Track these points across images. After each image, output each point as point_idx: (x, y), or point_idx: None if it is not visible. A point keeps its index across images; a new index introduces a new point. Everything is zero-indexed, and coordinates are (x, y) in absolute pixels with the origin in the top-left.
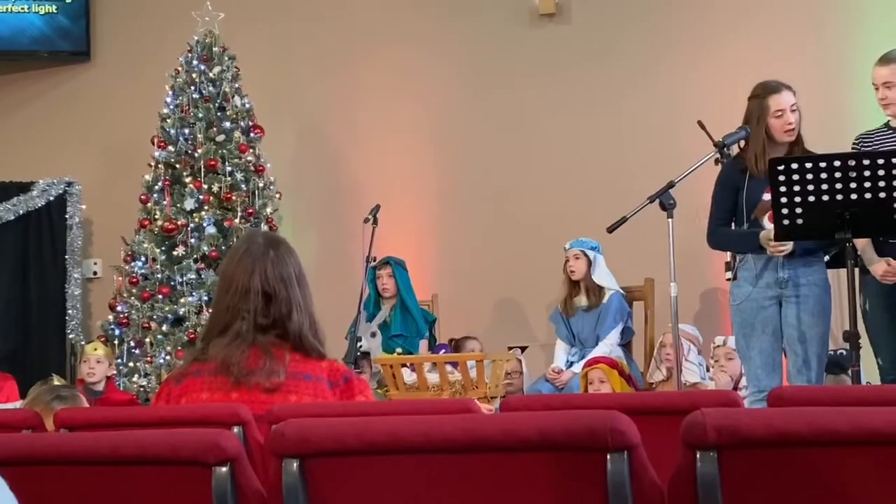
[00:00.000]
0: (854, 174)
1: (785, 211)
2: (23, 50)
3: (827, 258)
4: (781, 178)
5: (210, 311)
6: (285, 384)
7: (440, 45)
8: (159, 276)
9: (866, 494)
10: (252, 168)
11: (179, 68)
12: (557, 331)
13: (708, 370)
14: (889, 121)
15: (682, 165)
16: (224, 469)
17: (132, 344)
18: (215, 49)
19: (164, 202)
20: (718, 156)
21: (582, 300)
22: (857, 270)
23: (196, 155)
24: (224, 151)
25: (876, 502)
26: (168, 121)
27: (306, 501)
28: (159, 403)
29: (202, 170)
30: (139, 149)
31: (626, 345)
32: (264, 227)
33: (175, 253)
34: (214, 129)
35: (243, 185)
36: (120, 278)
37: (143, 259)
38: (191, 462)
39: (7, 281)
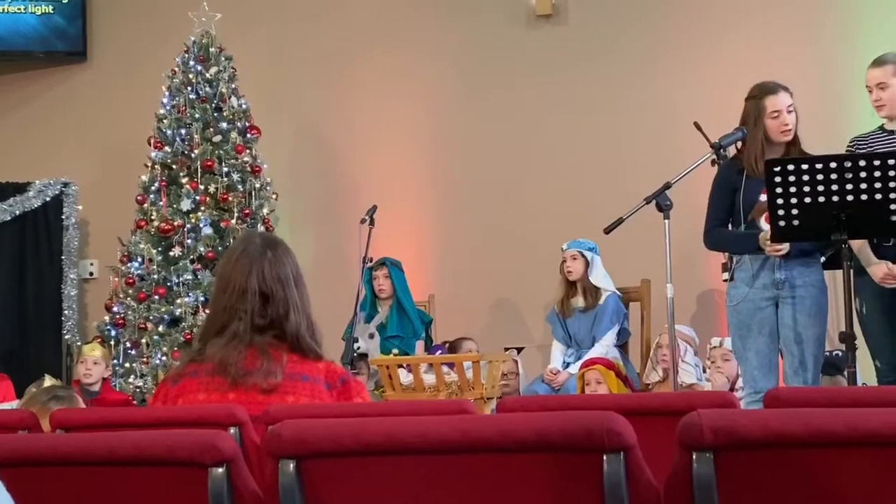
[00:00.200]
0: (850, 176)
1: (781, 212)
2: (19, 50)
3: (823, 259)
4: (778, 179)
5: (207, 311)
6: (282, 385)
7: (437, 46)
8: (156, 276)
9: (862, 495)
10: (249, 169)
11: (176, 69)
12: (554, 332)
13: (704, 371)
14: (883, 124)
15: (679, 166)
16: (220, 470)
17: (128, 345)
18: (212, 49)
19: (161, 203)
20: (715, 157)
21: (579, 301)
22: (852, 272)
23: (192, 155)
24: (221, 152)
25: (872, 503)
26: (164, 121)
27: (303, 502)
28: (156, 404)
29: (199, 170)
30: (136, 149)
31: (622, 346)
32: (261, 228)
33: (171, 253)
34: (211, 129)
35: (240, 186)
36: (116, 279)
37: (139, 260)
38: (187, 463)
39: (3, 281)
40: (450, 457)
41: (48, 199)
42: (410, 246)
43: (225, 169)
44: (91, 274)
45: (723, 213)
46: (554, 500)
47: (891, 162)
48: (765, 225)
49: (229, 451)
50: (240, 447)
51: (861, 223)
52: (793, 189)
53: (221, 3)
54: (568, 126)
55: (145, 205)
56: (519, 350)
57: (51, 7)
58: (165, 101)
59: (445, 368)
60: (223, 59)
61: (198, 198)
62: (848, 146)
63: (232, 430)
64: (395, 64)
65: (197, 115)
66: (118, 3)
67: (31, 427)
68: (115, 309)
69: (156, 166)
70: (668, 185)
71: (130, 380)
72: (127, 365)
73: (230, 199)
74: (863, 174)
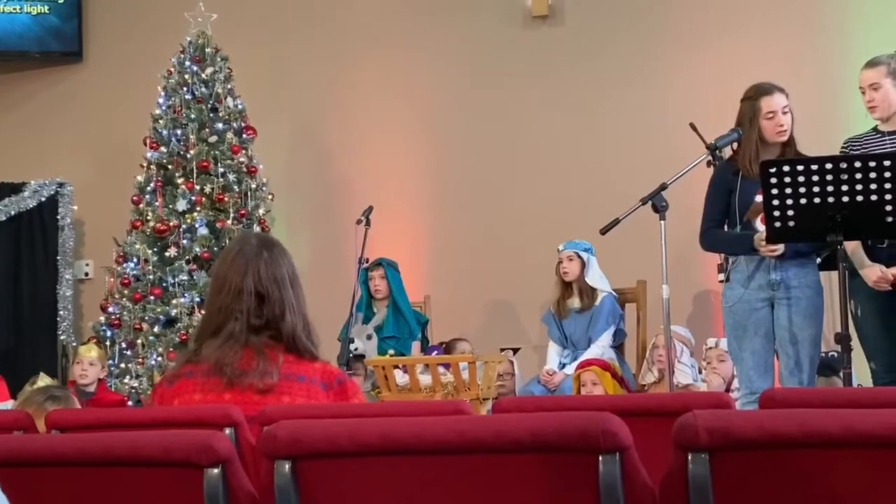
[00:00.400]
0: (846, 177)
1: (777, 213)
2: (14, 50)
3: (819, 260)
4: (773, 180)
5: (202, 312)
6: (278, 385)
7: (433, 47)
8: (151, 277)
9: (857, 496)
10: (244, 169)
11: (172, 69)
12: (550, 332)
13: (700, 372)
14: (877, 125)
15: (675, 167)
16: (216, 470)
17: (124, 345)
18: (208, 50)
19: (156, 203)
20: (711, 158)
21: (574, 302)
22: (847, 273)
23: (188, 156)
24: (216, 152)
25: None
26: (160, 122)
27: (298, 503)
28: (154, 405)
29: (194, 171)
30: (131, 150)
31: (618, 346)
32: (257, 229)
33: (167, 254)
34: (207, 130)
35: (236, 187)
36: (112, 279)
37: (134, 260)
38: (183, 463)
39: None
40: (446, 457)
41: (43, 199)
42: (406, 246)
43: (221, 169)
44: (86, 274)
45: (718, 215)
46: (549, 501)
47: (886, 163)
48: (760, 226)
49: (225, 452)
50: (235, 448)
51: (857, 224)
52: (788, 190)
53: (217, 3)
54: (564, 127)
55: (141, 205)
56: (515, 351)
57: (46, 7)
58: (161, 101)
59: (441, 369)
60: (219, 59)
61: (193, 198)
62: (842, 147)
63: (227, 431)
64: (391, 65)
65: (193, 116)
66: (114, 3)
67: (27, 427)
68: (110, 309)
69: (151, 166)
70: (664, 186)
71: (126, 380)
72: (122, 365)
73: (226, 199)
74: (858, 175)
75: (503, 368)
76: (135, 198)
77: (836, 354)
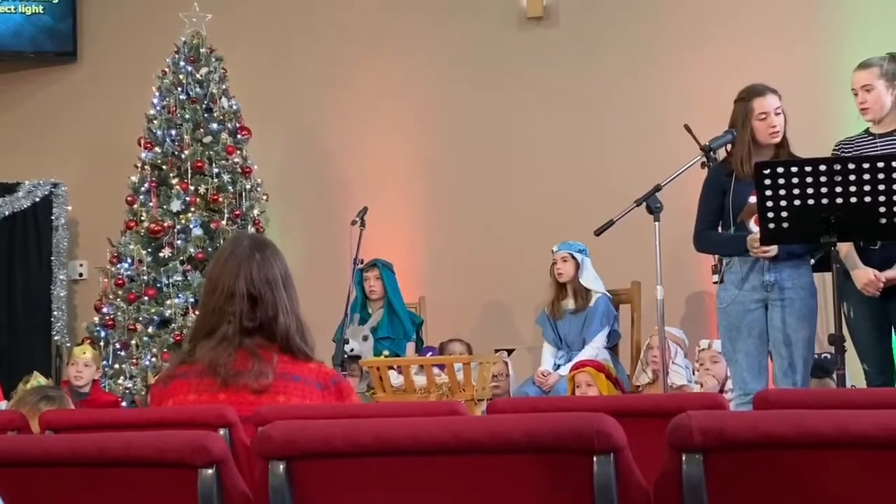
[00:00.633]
0: (840, 178)
1: (771, 215)
2: (8, 50)
3: (812, 262)
4: (767, 182)
5: (196, 313)
6: (273, 385)
7: (428, 48)
8: (145, 277)
9: (851, 497)
10: (239, 170)
11: (166, 69)
12: (544, 333)
13: (694, 373)
14: (869, 127)
15: (669, 169)
16: (210, 471)
17: (118, 346)
18: (202, 50)
19: (151, 203)
20: (705, 159)
21: (569, 303)
22: (841, 275)
23: (183, 156)
24: (211, 153)
25: None
26: (155, 122)
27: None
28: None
29: (189, 171)
30: (125, 150)
31: (612, 348)
32: (251, 229)
33: (161, 254)
34: (201, 130)
35: (230, 187)
36: (106, 280)
37: (129, 260)
38: (177, 464)
39: None
40: (440, 458)
41: (37, 199)
42: (401, 248)
43: (215, 170)
44: (80, 275)
45: (712, 216)
46: (544, 501)
47: (880, 165)
48: (754, 227)
49: (219, 453)
50: (230, 448)
51: (850, 226)
52: (782, 192)
53: (212, 3)
54: (559, 128)
55: (135, 206)
56: (509, 352)
57: (41, 7)
58: (156, 101)
59: (436, 370)
60: (214, 59)
61: (188, 199)
62: (833, 149)
63: (221, 432)
64: (386, 66)
65: (187, 116)
66: (108, 3)
67: (21, 428)
68: (104, 310)
69: (146, 167)
70: (658, 188)
71: (120, 381)
72: (116, 366)
73: (220, 200)
74: (852, 177)
75: (498, 369)
76: (129, 198)
77: (829, 356)
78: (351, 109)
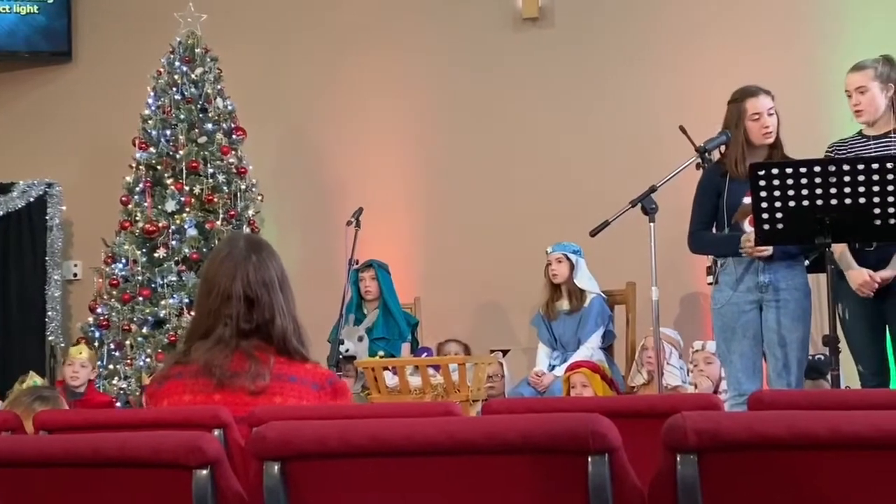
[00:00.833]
0: (834, 180)
1: (765, 216)
2: (3, 50)
3: (807, 263)
4: (762, 183)
5: (191, 313)
6: (270, 387)
7: (423, 49)
8: (140, 278)
9: (845, 498)
10: (234, 170)
11: (161, 69)
12: (539, 334)
13: (688, 374)
14: (862, 129)
15: (664, 170)
16: (204, 472)
17: (112, 346)
18: (197, 50)
19: (145, 204)
20: (700, 161)
21: (564, 304)
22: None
23: (177, 156)
24: (206, 153)
25: None
26: (149, 122)
27: None
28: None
29: (184, 171)
30: (120, 150)
31: (607, 348)
32: (246, 230)
33: (156, 255)
34: (196, 130)
35: (225, 187)
36: (100, 280)
37: (123, 261)
38: (171, 464)
39: None
40: (435, 459)
41: (32, 199)
42: (396, 248)
43: (210, 170)
44: (75, 275)
45: (706, 217)
46: (539, 502)
47: (874, 166)
48: (748, 228)
49: (214, 453)
50: (224, 449)
51: (845, 227)
52: (777, 193)
53: (207, 3)
54: (554, 129)
55: (130, 206)
56: (504, 352)
57: (35, 7)
58: (150, 101)
59: (431, 370)
60: (209, 59)
61: (183, 199)
62: (827, 151)
63: (216, 432)
64: (381, 66)
65: (182, 116)
66: (103, 3)
67: (15, 428)
68: (98, 310)
69: (140, 167)
70: (653, 189)
71: (114, 381)
72: (111, 366)
73: (215, 200)
74: (847, 178)
75: (493, 370)
76: (124, 198)
77: (823, 357)
78: (346, 110)
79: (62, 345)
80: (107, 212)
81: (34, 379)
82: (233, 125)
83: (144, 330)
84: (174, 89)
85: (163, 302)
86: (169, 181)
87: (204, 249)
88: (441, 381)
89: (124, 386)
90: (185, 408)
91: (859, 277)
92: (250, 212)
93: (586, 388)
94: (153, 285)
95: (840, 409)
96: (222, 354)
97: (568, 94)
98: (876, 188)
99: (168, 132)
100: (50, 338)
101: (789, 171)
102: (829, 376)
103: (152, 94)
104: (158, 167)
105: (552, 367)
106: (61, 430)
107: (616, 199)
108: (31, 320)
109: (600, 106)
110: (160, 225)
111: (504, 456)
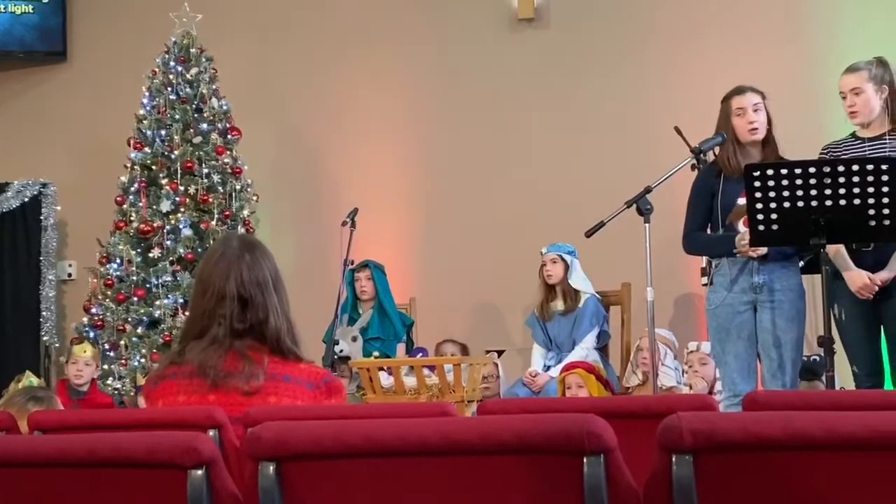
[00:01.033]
0: (829, 181)
1: (760, 217)
2: None
3: (802, 263)
4: (757, 184)
5: (186, 313)
6: (265, 387)
7: (419, 49)
8: (134, 278)
9: (840, 498)
10: (229, 170)
11: (156, 69)
12: (534, 335)
13: (683, 375)
14: (855, 131)
15: (659, 171)
16: (199, 472)
17: (107, 346)
18: (193, 50)
19: (140, 204)
20: (695, 161)
21: (558, 304)
22: (830, 277)
23: (172, 156)
24: (201, 153)
25: None
26: (144, 122)
27: None
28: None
29: (179, 171)
30: (115, 150)
31: (602, 348)
32: (241, 230)
33: (151, 255)
34: (191, 130)
35: (220, 188)
36: (95, 280)
37: (118, 261)
38: (166, 465)
39: None
40: (430, 459)
41: (26, 199)
42: (392, 248)
43: (205, 170)
44: (69, 275)
45: (701, 218)
46: (534, 503)
47: (869, 167)
48: (742, 229)
49: (209, 453)
50: (219, 449)
51: (840, 228)
52: (772, 194)
53: (202, 3)
54: (549, 129)
55: (124, 206)
56: (499, 353)
57: (30, 7)
58: (145, 101)
59: (426, 371)
60: (204, 59)
61: (177, 199)
62: (821, 153)
63: (211, 433)
64: (377, 67)
65: (177, 116)
66: (98, 3)
67: (9, 428)
68: (93, 310)
69: (135, 167)
70: (648, 190)
71: (109, 381)
72: (105, 367)
73: (210, 200)
74: (842, 179)
75: (488, 371)
76: (118, 198)
77: (818, 358)
78: (342, 110)
79: (56, 345)
80: (101, 212)
81: (30, 379)
82: (228, 125)
83: (139, 330)
84: (169, 89)
85: (157, 302)
86: (164, 181)
87: (199, 250)
88: (436, 381)
89: (119, 386)
90: (179, 408)
91: (859, 280)
92: (245, 212)
93: (581, 388)
94: (148, 285)
95: (835, 410)
96: (216, 354)
97: (563, 95)
98: (871, 189)
99: (163, 132)
100: (44, 338)
101: (784, 171)
102: (824, 377)
103: (147, 93)
104: (153, 167)
105: (547, 368)
106: (56, 430)
107: (611, 200)
108: (26, 321)
109: (595, 106)
110: (155, 225)
111: (499, 456)
